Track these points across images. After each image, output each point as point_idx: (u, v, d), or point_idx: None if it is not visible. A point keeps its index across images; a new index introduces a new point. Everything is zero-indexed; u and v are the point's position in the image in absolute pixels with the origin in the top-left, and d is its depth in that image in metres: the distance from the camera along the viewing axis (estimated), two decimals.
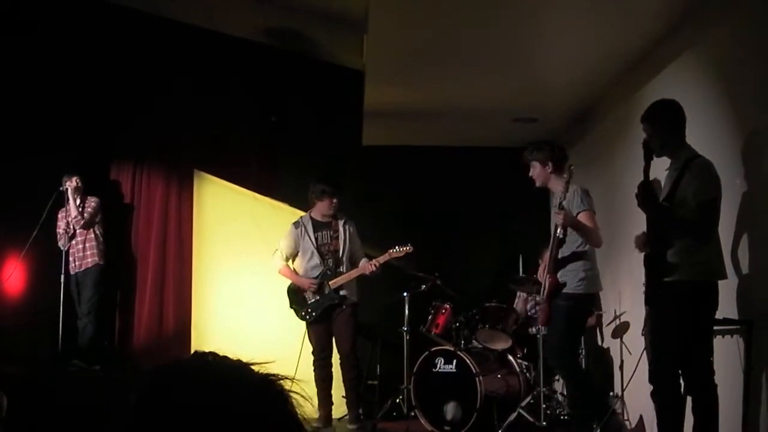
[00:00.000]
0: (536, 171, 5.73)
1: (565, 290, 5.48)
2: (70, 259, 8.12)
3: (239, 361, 1.13)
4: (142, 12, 8.55)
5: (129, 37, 8.60)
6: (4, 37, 8.22)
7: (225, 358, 1.14)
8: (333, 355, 6.99)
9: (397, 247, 6.88)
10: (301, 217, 7.16)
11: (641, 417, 5.81)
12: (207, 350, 1.15)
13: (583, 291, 5.51)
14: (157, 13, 8.59)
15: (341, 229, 6.98)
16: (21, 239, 7.95)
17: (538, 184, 5.77)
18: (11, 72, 8.29)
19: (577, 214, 5.41)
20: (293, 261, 7.08)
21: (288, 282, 7.06)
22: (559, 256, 5.49)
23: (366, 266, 6.86)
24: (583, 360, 6.71)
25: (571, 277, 5.49)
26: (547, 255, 7.49)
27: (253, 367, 1.13)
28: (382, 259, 6.87)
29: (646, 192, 4.54)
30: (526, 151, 5.84)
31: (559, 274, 5.48)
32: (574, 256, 5.50)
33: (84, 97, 8.58)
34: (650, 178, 4.59)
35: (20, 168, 8.21)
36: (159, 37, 8.60)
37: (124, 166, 8.94)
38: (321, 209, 6.99)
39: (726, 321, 4.68)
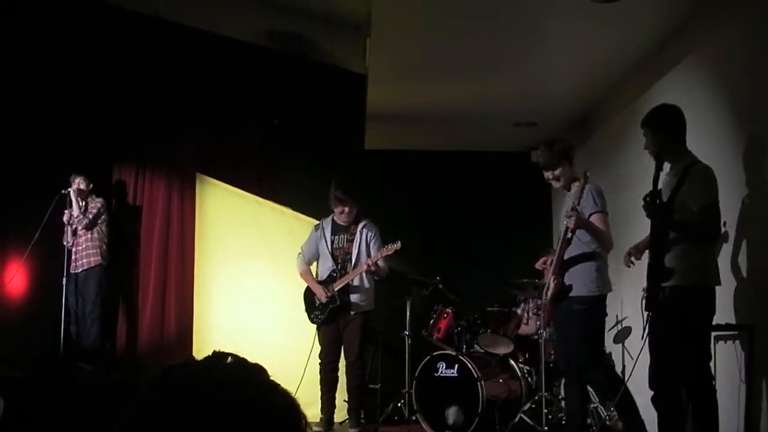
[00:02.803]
0: (562, 170, 5.45)
1: (577, 294, 5.28)
2: (73, 258, 8.12)
3: (257, 369, 1.11)
4: (144, 15, 8.56)
5: (131, 40, 8.60)
6: (6, 38, 8.23)
7: (243, 363, 1.11)
8: (340, 360, 6.99)
9: (387, 245, 6.84)
10: (323, 219, 7.16)
11: (642, 422, 5.80)
12: (227, 351, 1.12)
13: (598, 293, 5.30)
14: (159, 15, 8.60)
15: (358, 233, 6.96)
16: (23, 241, 7.96)
17: (559, 185, 5.55)
18: (13, 73, 8.30)
19: (590, 215, 5.25)
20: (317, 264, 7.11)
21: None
22: (566, 257, 5.34)
23: (360, 267, 6.85)
24: None
25: (581, 279, 5.29)
26: (550, 257, 7.53)
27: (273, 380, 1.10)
28: (375, 258, 6.83)
29: (654, 202, 4.51)
30: (544, 155, 5.55)
31: (566, 276, 5.33)
32: (584, 257, 5.31)
33: (86, 100, 8.59)
34: (658, 188, 4.55)
35: (22, 170, 8.23)
36: (161, 40, 8.60)
37: (127, 169, 8.94)
38: (336, 213, 7.00)
39: (727, 326, 4.69)
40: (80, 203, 8.09)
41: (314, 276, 7.09)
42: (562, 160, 5.47)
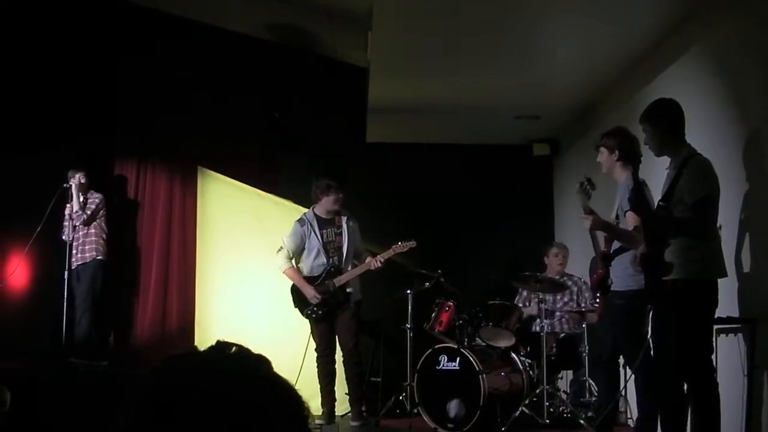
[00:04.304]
0: (603, 157, 5.44)
1: (616, 288, 5.21)
2: (73, 252, 8.13)
3: (261, 360, 1.12)
4: (145, 8, 8.55)
5: (132, 33, 8.60)
6: (7, 33, 8.22)
7: (247, 354, 1.11)
8: (336, 351, 7.00)
9: (400, 243, 6.88)
10: (305, 214, 7.13)
11: None
12: (231, 341, 1.13)
13: (636, 287, 5.13)
14: (160, 8, 8.59)
15: (344, 226, 6.97)
16: (24, 236, 7.96)
17: (603, 170, 5.52)
18: (14, 69, 8.29)
19: (625, 212, 5.12)
20: (296, 259, 7.08)
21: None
22: (611, 250, 5.24)
23: (371, 262, 6.87)
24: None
25: (620, 274, 5.21)
26: (552, 251, 7.54)
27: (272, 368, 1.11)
28: (386, 254, 6.87)
29: (638, 196, 4.53)
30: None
31: (611, 270, 5.22)
32: (623, 252, 5.20)
33: (87, 94, 8.59)
34: (640, 181, 4.56)
35: (23, 165, 8.23)
36: (162, 33, 8.60)
37: (128, 163, 8.95)
38: (326, 205, 6.96)
39: (729, 319, 4.69)
40: (80, 198, 8.09)
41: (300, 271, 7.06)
42: (602, 147, 5.44)
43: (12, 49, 8.26)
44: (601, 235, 5.35)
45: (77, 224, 8.09)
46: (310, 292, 6.88)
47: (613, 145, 5.38)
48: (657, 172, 4.83)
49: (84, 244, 8.11)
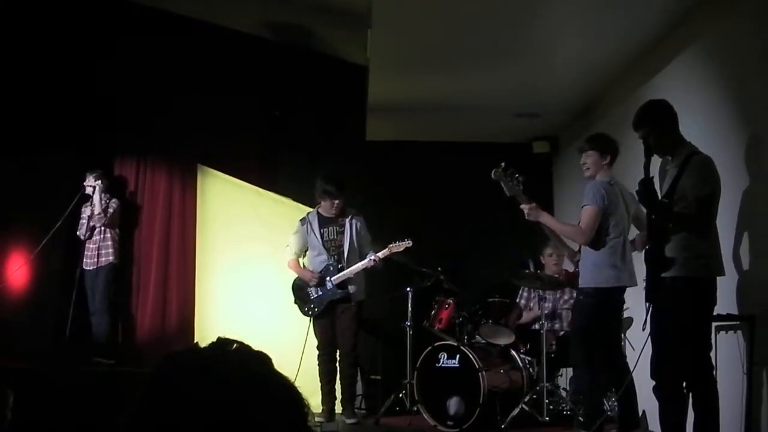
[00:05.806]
0: (591, 160, 5.52)
1: (579, 285, 5.46)
2: (88, 254, 8.18)
3: (262, 357, 1.12)
4: (145, 6, 8.55)
5: (131, 31, 8.60)
6: (7, 33, 8.22)
7: (247, 351, 1.11)
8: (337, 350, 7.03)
9: (396, 242, 6.90)
10: (309, 213, 7.17)
11: (644, 412, 5.82)
12: (232, 338, 1.13)
13: (585, 285, 5.38)
14: (160, 7, 8.59)
15: (347, 225, 6.98)
16: (23, 236, 8.00)
17: (588, 174, 5.54)
18: (13, 69, 8.29)
19: (582, 207, 5.38)
20: (304, 256, 7.12)
21: (293, 277, 7.09)
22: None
23: (367, 261, 6.88)
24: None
25: (582, 271, 5.44)
26: (546, 251, 7.55)
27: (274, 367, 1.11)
28: (382, 254, 6.89)
29: (647, 189, 4.54)
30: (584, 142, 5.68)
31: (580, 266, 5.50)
32: (585, 250, 5.41)
33: (87, 94, 8.59)
34: (650, 175, 4.57)
35: (24, 165, 8.24)
36: (161, 31, 8.61)
37: (128, 162, 8.95)
38: (325, 207, 7.00)
39: (729, 316, 4.70)
40: (101, 201, 8.19)
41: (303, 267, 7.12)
42: (590, 149, 5.53)
43: (11, 48, 8.26)
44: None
45: (97, 225, 8.17)
46: (307, 275, 6.95)
47: (601, 149, 5.60)
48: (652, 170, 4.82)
49: (101, 248, 8.25)
